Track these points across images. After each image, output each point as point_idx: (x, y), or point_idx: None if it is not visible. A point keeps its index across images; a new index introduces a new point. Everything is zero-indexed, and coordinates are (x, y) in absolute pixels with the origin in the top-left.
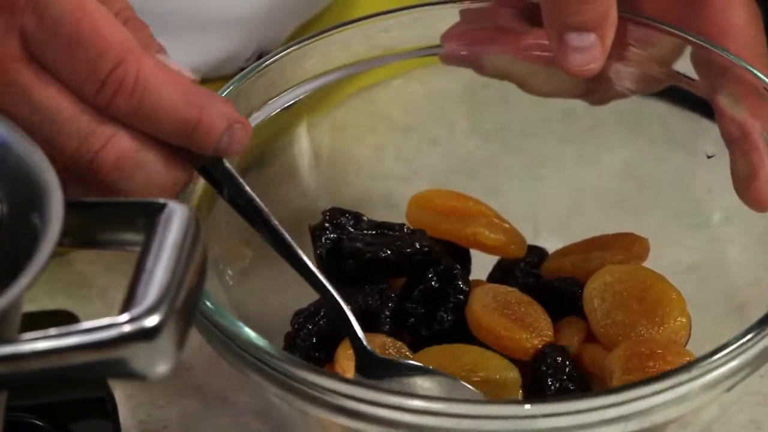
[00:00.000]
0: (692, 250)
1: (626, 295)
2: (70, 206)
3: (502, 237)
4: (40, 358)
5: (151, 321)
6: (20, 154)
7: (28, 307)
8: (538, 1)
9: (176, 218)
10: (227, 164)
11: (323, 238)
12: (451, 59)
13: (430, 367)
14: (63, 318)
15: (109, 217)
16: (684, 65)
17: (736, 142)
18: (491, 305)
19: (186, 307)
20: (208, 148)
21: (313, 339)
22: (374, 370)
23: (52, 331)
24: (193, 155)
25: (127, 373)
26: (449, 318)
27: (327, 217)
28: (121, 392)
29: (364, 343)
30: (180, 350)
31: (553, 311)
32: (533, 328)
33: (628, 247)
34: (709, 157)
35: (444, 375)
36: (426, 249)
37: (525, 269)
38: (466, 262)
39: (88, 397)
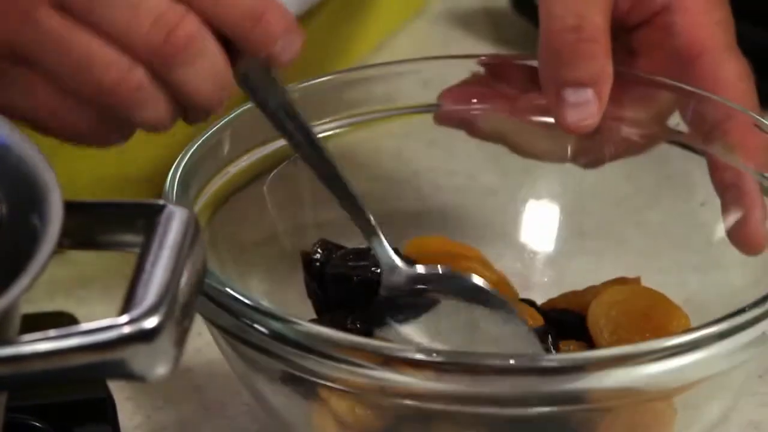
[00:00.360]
0: (692, 251)
1: (632, 313)
2: (70, 207)
3: (496, 277)
4: (40, 359)
5: (151, 322)
6: (20, 154)
7: (28, 308)
8: (535, 62)
9: (176, 219)
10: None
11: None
12: (444, 119)
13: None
14: (62, 319)
15: (108, 218)
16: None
17: (728, 188)
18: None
19: (186, 309)
20: (264, 47)
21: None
22: (398, 288)
23: (52, 332)
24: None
25: (127, 375)
26: None
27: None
28: (120, 394)
29: (390, 254)
30: (180, 351)
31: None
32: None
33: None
34: None
35: (487, 291)
36: None
37: None
38: None
39: (88, 399)
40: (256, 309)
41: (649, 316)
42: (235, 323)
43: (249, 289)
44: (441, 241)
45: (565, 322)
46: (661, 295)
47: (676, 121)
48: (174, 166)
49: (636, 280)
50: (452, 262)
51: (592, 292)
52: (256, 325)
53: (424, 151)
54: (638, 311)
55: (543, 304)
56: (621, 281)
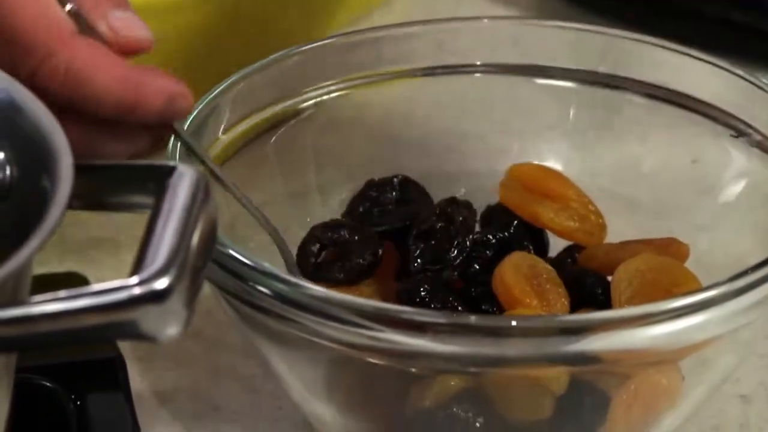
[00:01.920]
0: (703, 211)
1: (654, 285)
2: (80, 169)
3: (570, 223)
4: (51, 320)
5: (161, 283)
6: (31, 117)
7: (39, 269)
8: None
9: (186, 181)
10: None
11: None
12: None
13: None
14: (73, 280)
15: (118, 179)
16: None
17: None
18: (523, 269)
19: (196, 270)
20: (149, 121)
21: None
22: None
23: (63, 293)
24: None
25: (138, 336)
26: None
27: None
28: (130, 355)
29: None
30: (190, 312)
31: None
32: (547, 304)
33: (666, 246)
34: (735, 137)
35: None
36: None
37: (564, 255)
38: (539, 241)
39: (98, 359)
40: (259, 270)
41: (670, 293)
42: (238, 285)
43: (251, 251)
44: (537, 169)
45: (583, 284)
46: (691, 276)
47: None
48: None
49: (681, 248)
50: (532, 202)
51: (628, 249)
52: (259, 287)
53: (435, 113)
54: (661, 285)
55: (586, 251)
56: (666, 243)
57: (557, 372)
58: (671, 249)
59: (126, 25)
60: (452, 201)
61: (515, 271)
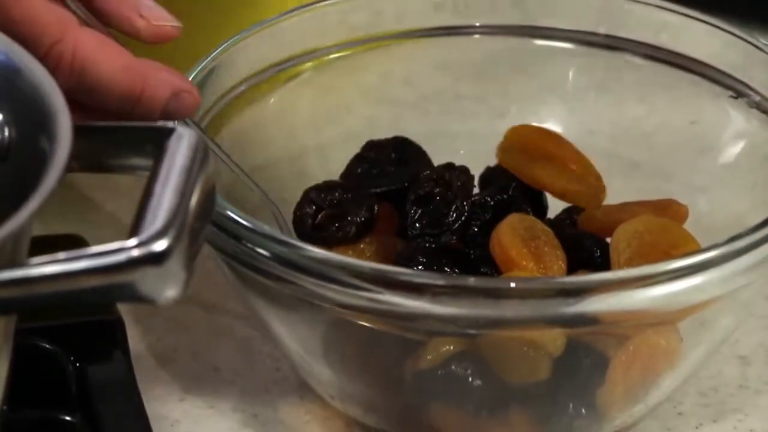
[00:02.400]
0: (702, 172)
1: (653, 247)
2: (79, 131)
3: (570, 185)
4: (49, 282)
5: (160, 245)
6: (30, 79)
7: (38, 231)
8: None
9: (185, 143)
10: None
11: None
12: None
13: None
14: (72, 242)
15: (117, 141)
16: None
17: None
18: (520, 231)
19: (195, 232)
20: (152, 116)
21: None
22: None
23: (61, 255)
24: None
25: (136, 298)
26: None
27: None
28: (130, 316)
29: None
30: (189, 274)
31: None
32: (544, 267)
33: (665, 207)
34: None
35: None
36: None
37: (563, 216)
38: (538, 203)
39: (98, 321)
40: (257, 232)
41: (669, 255)
42: (237, 247)
43: (249, 213)
44: (536, 131)
45: (580, 246)
46: (690, 237)
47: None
48: None
49: (680, 209)
50: (530, 163)
51: (627, 210)
52: (257, 249)
53: (434, 75)
54: (660, 247)
55: (585, 213)
56: (665, 204)
57: (555, 334)
58: (670, 210)
59: (157, 14)
60: (449, 166)
61: (512, 233)
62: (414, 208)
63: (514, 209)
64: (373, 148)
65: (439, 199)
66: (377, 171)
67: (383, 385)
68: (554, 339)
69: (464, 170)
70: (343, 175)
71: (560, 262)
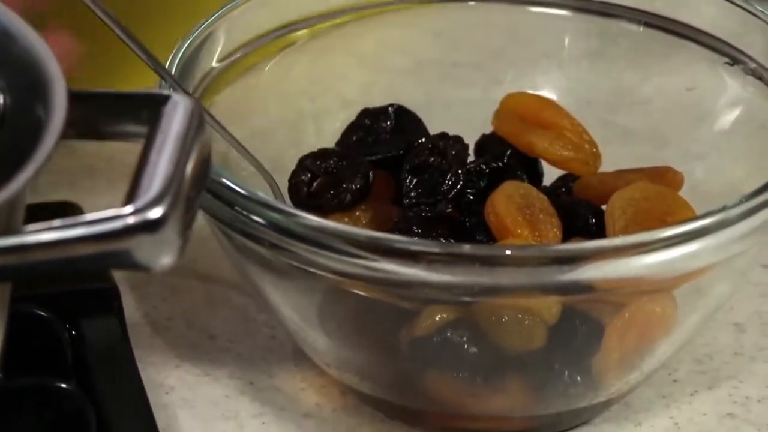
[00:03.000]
0: (698, 139)
1: (649, 214)
2: (74, 97)
3: (565, 152)
4: (44, 249)
5: (155, 212)
6: (24, 45)
7: (33, 198)
8: None
9: (180, 110)
10: None
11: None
12: None
13: None
14: (67, 209)
15: (113, 108)
16: None
17: None
18: (515, 198)
19: (190, 199)
20: None
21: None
22: None
23: (57, 222)
24: None
25: (132, 265)
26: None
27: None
28: (125, 284)
29: None
30: (184, 242)
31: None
32: (539, 234)
33: (660, 174)
34: (730, 65)
35: None
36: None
37: (559, 184)
38: (533, 171)
39: (94, 289)
40: (253, 200)
41: (664, 222)
42: (232, 214)
43: (245, 180)
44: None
45: (574, 213)
46: (685, 204)
47: None
48: (171, 57)
49: (676, 177)
50: (525, 131)
51: (623, 178)
52: (253, 216)
53: (429, 42)
54: (656, 214)
55: (581, 180)
56: (661, 172)
57: (551, 301)
58: (666, 177)
59: None
60: (444, 135)
61: (508, 201)
62: (409, 177)
63: (509, 177)
64: (368, 115)
65: (434, 168)
66: (373, 139)
67: (379, 353)
68: (549, 306)
69: (458, 139)
70: (339, 143)
71: (555, 230)
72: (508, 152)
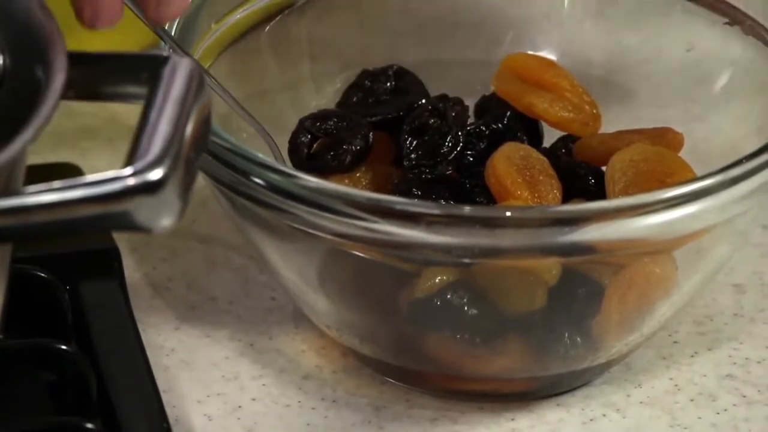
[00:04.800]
0: (698, 100)
1: (648, 175)
2: (74, 58)
3: (565, 113)
4: (45, 210)
5: (156, 174)
6: (24, 6)
7: (33, 159)
8: None
9: (180, 71)
10: None
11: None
12: None
13: None
14: (67, 171)
15: (112, 69)
16: None
17: None
18: (515, 160)
19: (190, 160)
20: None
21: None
22: None
23: (57, 183)
24: None
25: (132, 226)
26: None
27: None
28: (125, 245)
29: None
30: (185, 203)
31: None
32: (539, 196)
33: (660, 135)
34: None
35: None
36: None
37: (559, 145)
38: (534, 132)
39: (94, 250)
40: (253, 161)
41: (665, 183)
42: (232, 176)
43: (245, 142)
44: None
45: (574, 173)
46: (685, 164)
47: None
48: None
49: (676, 137)
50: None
51: (623, 139)
52: (253, 178)
53: (429, 3)
54: (656, 175)
55: (581, 141)
56: (661, 132)
57: (551, 262)
58: (666, 138)
59: None
60: (444, 97)
61: (507, 162)
62: (409, 138)
63: (509, 138)
64: (368, 76)
65: (434, 130)
66: (373, 100)
67: (379, 315)
68: (550, 268)
69: (458, 101)
70: (339, 104)
71: (555, 191)
72: (508, 113)
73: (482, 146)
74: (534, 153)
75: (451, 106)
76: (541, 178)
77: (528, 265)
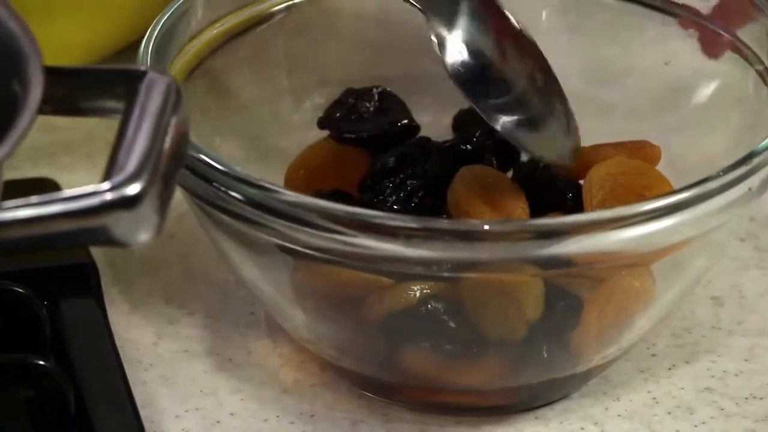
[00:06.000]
0: (675, 113)
1: (626, 188)
2: (51, 73)
3: None
4: (22, 225)
5: (133, 189)
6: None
7: (10, 174)
8: None
9: (157, 86)
10: None
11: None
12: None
13: None
14: (45, 186)
15: (89, 84)
16: None
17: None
18: (472, 184)
19: (168, 175)
20: None
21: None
22: None
23: (34, 198)
24: None
25: (109, 241)
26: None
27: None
28: (103, 260)
29: None
30: (162, 218)
31: (535, 204)
32: (505, 214)
33: (638, 149)
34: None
35: None
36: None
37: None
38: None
39: (71, 265)
40: (230, 175)
41: (642, 196)
42: (209, 190)
43: (222, 156)
44: None
45: (546, 188)
46: (663, 179)
47: None
48: (147, 33)
49: (653, 150)
50: None
51: (600, 152)
52: (230, 192)
53: (407, 16)
54: (633, 188)
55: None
56: (638, 146)
57: (531, 276)
58: (643, 152)
59: None
60: (424, 143)
61: (465, 189)
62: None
63: (476, 160)
64: (352, 94)
65: (400, 177)
66: (355, 117)
67: (356, 329)
68: (534, 300)
69: (438, 149)
70: (321, 120)
71: (521, 207)
72: (477, 133)
73: (454, 167)
74: (492, 172)
75: (427, 156)
76: (503, 195)
77: (509, 280)
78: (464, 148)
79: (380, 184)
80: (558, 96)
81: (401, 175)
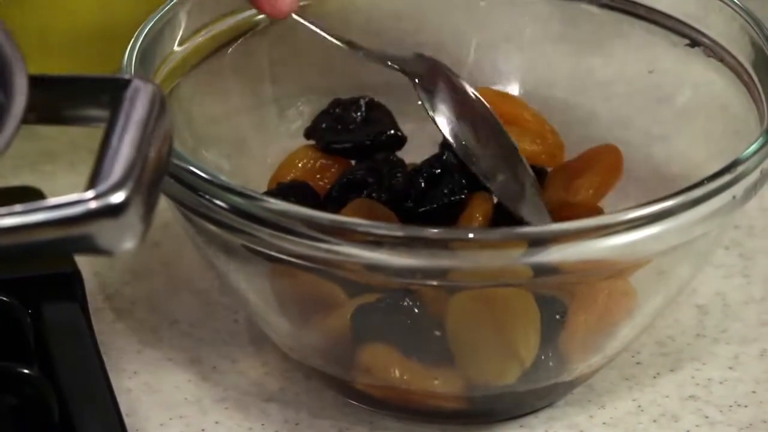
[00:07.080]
0: (659, 121)
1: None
2: (35, 81)
3: (533, 147)
4: (5, 234)
5: (118, 197)
6: None
7: None
8: None
9: (142, 95)
10: None
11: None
12: None
13: None
14: (29, 194)
15: (74, 93)
16: None
17: None
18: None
19: (152, 183)
20: None
21: None
22: None
23: (18, 207)
24: None
25: (94, 249)
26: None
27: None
28: (88, 269)
29: None
30: (147, 226)
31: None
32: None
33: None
34: (691, 47)
35: None
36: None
37: None
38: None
39: (55, 274)
40: (215, 184)
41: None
42: (194, 198)
43: (207, 164)
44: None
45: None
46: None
47: None
48: (132, 41)
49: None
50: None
51: (586, 159)
52: (215, 200)
53: (392, 24)
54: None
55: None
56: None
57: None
58: (605, 156)
59: None
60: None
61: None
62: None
63: (446, 179)
64: (339, 105)
65: (364, 193)
66: (342, 127)
67: (339, 337)
68: (528, 343)
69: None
70: (308, 130)
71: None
72: (444, 156)
73: (421, 186)
74: (377, 207)
75: (393, 174)
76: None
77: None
78: (433, 169)
79: (346, 197)
80: (520, 163)
81: (365, 190)
